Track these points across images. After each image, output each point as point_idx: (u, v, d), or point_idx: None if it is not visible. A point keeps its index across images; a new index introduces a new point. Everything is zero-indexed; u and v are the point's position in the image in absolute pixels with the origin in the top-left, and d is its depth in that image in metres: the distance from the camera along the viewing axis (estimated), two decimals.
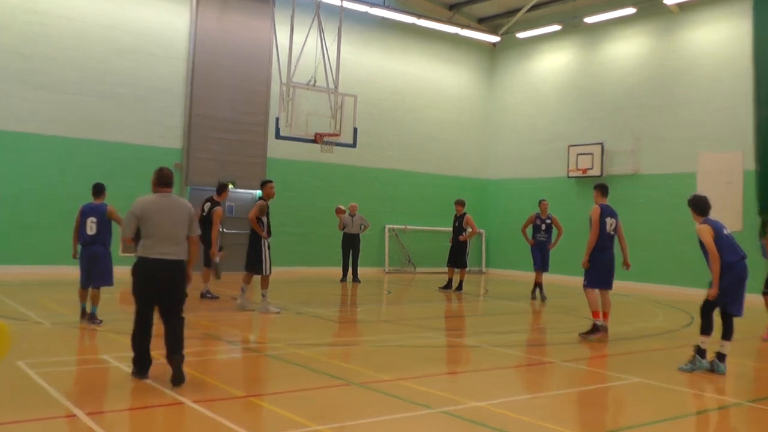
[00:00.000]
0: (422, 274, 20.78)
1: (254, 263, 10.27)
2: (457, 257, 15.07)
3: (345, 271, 16.66)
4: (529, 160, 21.56)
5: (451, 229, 15.43)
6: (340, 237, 17.00)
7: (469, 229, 15.35)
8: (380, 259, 20.71)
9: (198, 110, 17.48)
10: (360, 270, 17.16)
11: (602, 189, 9.35)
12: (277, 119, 15.09)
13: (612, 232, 9.25)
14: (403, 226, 21.08)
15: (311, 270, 19.07)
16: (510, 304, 13.11)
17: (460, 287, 14.99)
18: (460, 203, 15.23)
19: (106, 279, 8.66)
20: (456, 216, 15.24)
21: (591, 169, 19.43)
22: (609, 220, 9.24)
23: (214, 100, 17.67)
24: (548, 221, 13.77)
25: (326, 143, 15.50)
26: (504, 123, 22.55)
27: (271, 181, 10.59)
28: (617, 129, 19.23)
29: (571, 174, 19.91)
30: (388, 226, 20.80)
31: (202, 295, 11.84)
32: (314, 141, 15.55)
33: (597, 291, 9.18)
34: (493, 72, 22.97)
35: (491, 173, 22.93)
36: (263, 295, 10.36)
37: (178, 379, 5.80)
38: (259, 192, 18.55)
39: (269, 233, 10.40)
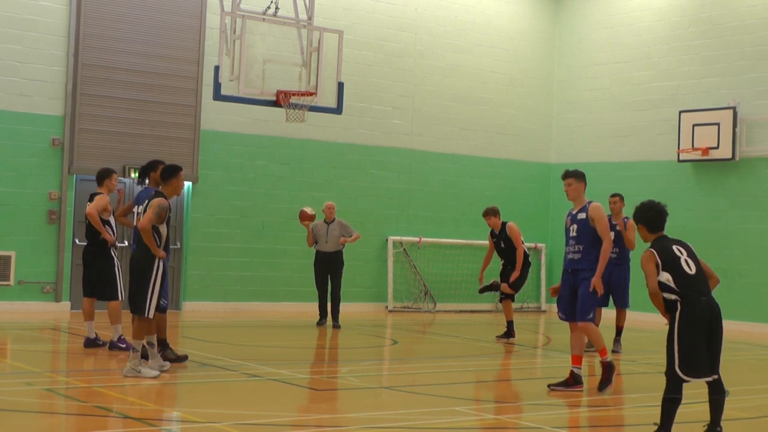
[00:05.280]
0: (447, 313, 20.77)
1: (135, 298, 10.19)
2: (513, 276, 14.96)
3: (323, 308, 16.70)
4: (616, 135, 21.58)
5: (490, 246, 15.32)
6: (312, 257, 16.98)
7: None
8: (380, 292, 20.71)
9: (89, 58, 17.51)
10: (348, 307, 17.15)
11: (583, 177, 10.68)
12: (216, 69, 15.09)
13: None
14: (416, 239, 21.09)
15: (271, 308, 19.07)
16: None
17: (509, 332, 14.97)
18: (492, 213, 14.96)
19: None
20: (493, 234, 15.08)
21: (716, 148, 19.39)
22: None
23: (113, 42, 17.71)
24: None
25: (294, 107, 15.51)
26: (578, 76, 22.58)
27: (180, 169, 10.56)
28: (761, 87, 19.19)
29: (685, 156, 19.91)
30: (392, 239, 20.81)
31: (112, 345, 12.10)
32: (275, 103, 15.56)
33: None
34: None
35: (557, 155, 22.93)
36: (134, 350, 10.23)
37: None
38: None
39: (167, 250, 10.44)
